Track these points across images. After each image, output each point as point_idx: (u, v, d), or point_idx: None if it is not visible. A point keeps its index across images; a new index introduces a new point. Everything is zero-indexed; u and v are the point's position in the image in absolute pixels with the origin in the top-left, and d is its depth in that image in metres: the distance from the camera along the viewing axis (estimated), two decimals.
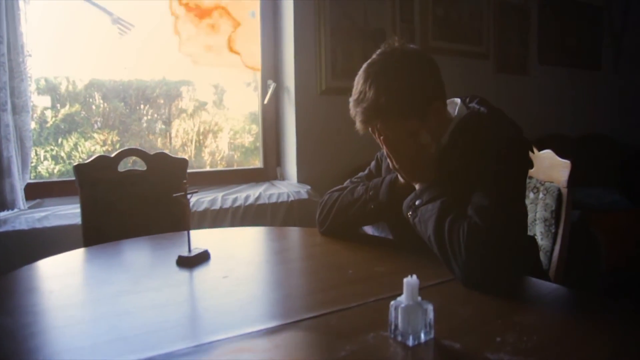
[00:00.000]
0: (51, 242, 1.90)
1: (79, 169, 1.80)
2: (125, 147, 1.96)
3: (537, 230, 1.64)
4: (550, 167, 1.63)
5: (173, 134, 2.93)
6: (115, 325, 0.95)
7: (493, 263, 1.08)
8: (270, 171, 2.80)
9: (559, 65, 3.66)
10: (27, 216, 1.99)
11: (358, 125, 1.29)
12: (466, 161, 1.25)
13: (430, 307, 0.85)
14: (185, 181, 1.37)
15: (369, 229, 1.87)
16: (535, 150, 1.66)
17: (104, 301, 1.08)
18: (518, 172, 1.24)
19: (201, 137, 2.96)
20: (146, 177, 1.91)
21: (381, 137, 1.28)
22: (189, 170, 2.61)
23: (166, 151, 2.81)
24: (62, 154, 2.57)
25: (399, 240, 1.49)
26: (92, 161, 1.84)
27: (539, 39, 3.51)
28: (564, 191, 1.58)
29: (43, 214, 2.03)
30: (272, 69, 2.73)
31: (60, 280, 1.23)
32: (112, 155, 1.87)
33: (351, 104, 1.29)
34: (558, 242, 1.57)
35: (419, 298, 0.86)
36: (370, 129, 1.30)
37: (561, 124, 3.70)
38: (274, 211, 2.46)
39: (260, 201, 2.46)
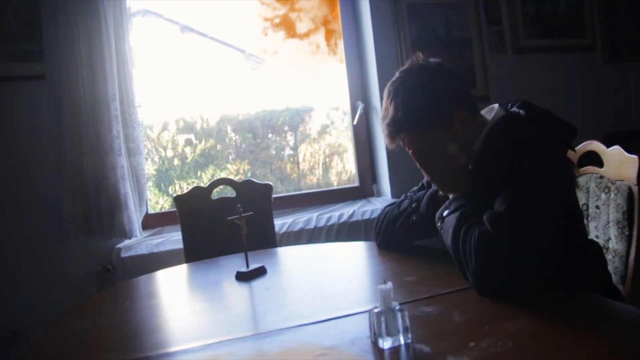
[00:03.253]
0: (165, 263, 2.19)
1: (178, 200, 2.09)
2: (218, 178, 2.23)
3: (611, 233, 1.52)
4: (619, 164, 1.51)
5: (300, 159, 3.16)
6: (154, 325, 1.15)
7: (503, 270, 1.07)
8: (367, 188, 2.89)
9: None
10: (147, 242, 2.34)
11: (385, 141, 1.36)
12: (497, 166, 1.24)
13: (405, 313, 0.90)
14: (239, 205, 1.54)
15: None
16: (602, 147, 1.55)
17: (161, 309, 1.29)
18: (545, 177, 1.18)
19: (327, 159, 3.16)
20: (236, 203, 2.13)
21: (411, 151, 1.33)
22: (288, 194, 2.87)
23: (293, 175, 3.08)
24: (202, 185, 2.94)
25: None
26: (189, 192, 2.12)
27: None
28: (635, 189, 1.45)
29: (160, 240, 2.37)
30: (359, 90, 2.85)
31: (155, 290, 1.55)
32: (206, 185, 2.14)
33: (381, 122, 1.37)
34: (633, 246, 1.45)
35: (396, 304, 0.91)
36: (401, 143, 1.36)
37: None
38: (367, 227, 2.54)
39: (354, 218, 2.56)
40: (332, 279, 1.38)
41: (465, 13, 2.79)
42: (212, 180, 2.17)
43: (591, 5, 2.99)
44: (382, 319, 0.89)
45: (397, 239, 1.54)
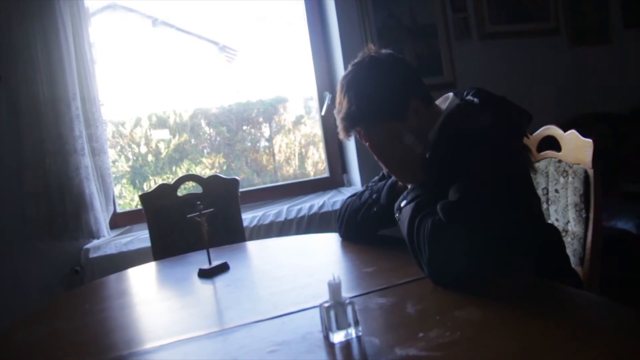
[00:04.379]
0: (134, 261, 2.16)
1: (144, 198, 2.07)
2: (185, 174, 2.21)
3: (570, 216, 1.54)
4: (576, 148, 1.52)
5: (276, 150, 3.15)
6: (110, 327, 1.14)
7: (456, 260, 1.07)
8: (337, 179, 2.89)
9: None
10: (116, 242, 2.32)
11: (340, 134, 1.35)
12: (452, 155, 1.24)
13: (354, 306, 0.90)
14: (199, 202, 1.52)
15: None
16: (559, 132, 1.57)
17: (120, 311, 1.28)
18: (497, 165, 1.18)
19: (303, 150, 3.14)
20: (202, 199, 2.10)
21: (367, 144, 1.33)
22: (260, 186, 2.86)
23: (269, 167, 3.06)
24: (168, 182, 2.90)
25: None
26: (154, 190, 2.10)
27: None
28: (591, 172, 1.47)
29: (129, 238, 2.34)
30: (326, 80, 2.83)
31: (115, 292, 1.53)
32: (172, 182, 2.12)
33: (335, 115, 1.36)
34: (590, 228, 1.47)
35: (345, 297, 0.91)
36: (357, 135, 1.35)
37: None
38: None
39: (324, 209, 2.56)
40: (293, 273, 1.38)
41: (430, 0, 2.78)
42: (178, 177, 2.15)
43: None
44: (332, 313, 0.89)
45: (359, 230, 1.54)
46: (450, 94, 1.38)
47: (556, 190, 1.60)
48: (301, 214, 2.53)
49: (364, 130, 1.31)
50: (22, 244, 2.20)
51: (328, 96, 2.79)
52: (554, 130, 1.61)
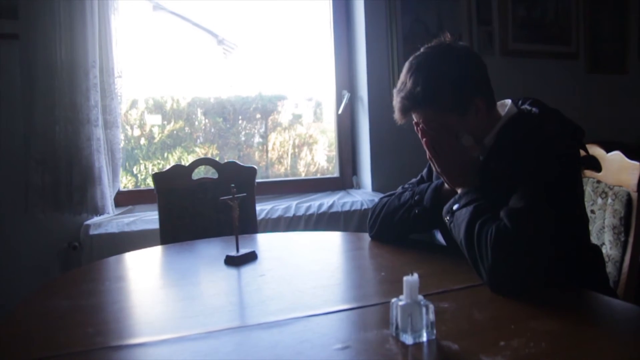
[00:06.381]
0: (137, 243, 2.07)
1: (157, 177, 1.98)
2: (202, 157, 2.13)
3: (606, 238, 1.52)
4: (619, 169, 1.50)
5: (270, 147, 3.08)
6: (144, 308, 1.06)
7: (520, 268, 1.04)
8: (347, 180, 2.84)
9: None
10: (118, 221, 2.21)
11: (396, 114, 1.30)
12: (510, 162, 1.20)
13: (430, 307, 0.85)
14: (232, 185, 1.45)
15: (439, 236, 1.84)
16: (602, 152, 1.55)
17: (147, 292, 1.20)
18: (562, 175, 1.16)
19: (297, 150, 3.08)
20: (218, 184, 2.03)
21: (424, 140, 1.28)
22: (267, 180, 2.78)
23: (262, 163, 2.99)
24: (168, 167, 2.80)
25: (451, 246, 1.46)
26: (168, 170, 2.01)
27: None
28: (634, 196, 1.45)
29: (132, 219, 2.24)
30: (346, 79, 2.79)
31: (137, 270, 1.44)
32: (187, 164, 2.03)
33: (394, 94, 1.30)
34: (628, 252, 1.45)
35: (421, 297, 0.86)
36: (415, 129, 1.30)
37: None
38: (347, 219, 2.49)
39: (334, 209, 2.51)
40: (329, 269, 1.32)
41: (457, 9, 2.77)
42: (194, 160, 2.06)
43: (578, 14, 3.03)
44: (408, 312, 0.84)
45: (394, 231, 1.49)
46: (508, 101, 1.35)
47: (592, 211, 1.58)
48: (310, 211, 2.47)
49: (423, 115, 1.25)
50: (22, 212, 2.08)
51: (347, 95, 2.74)
52: (595, 150, 1.59)
